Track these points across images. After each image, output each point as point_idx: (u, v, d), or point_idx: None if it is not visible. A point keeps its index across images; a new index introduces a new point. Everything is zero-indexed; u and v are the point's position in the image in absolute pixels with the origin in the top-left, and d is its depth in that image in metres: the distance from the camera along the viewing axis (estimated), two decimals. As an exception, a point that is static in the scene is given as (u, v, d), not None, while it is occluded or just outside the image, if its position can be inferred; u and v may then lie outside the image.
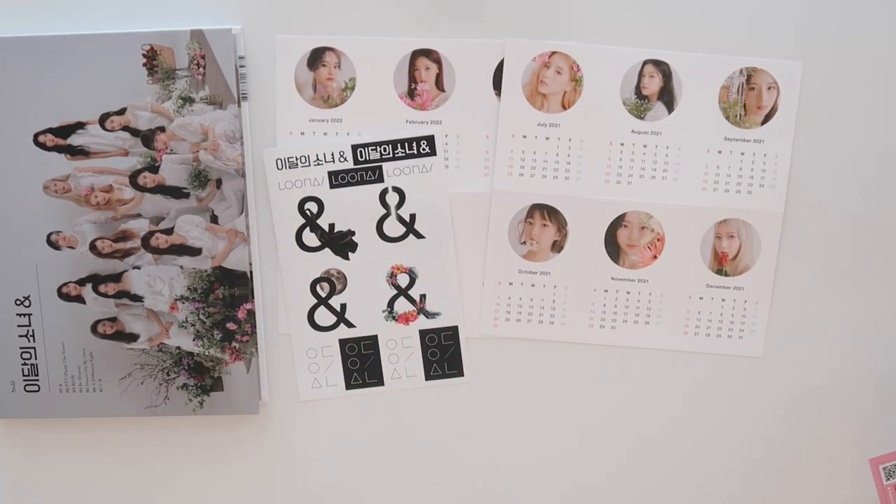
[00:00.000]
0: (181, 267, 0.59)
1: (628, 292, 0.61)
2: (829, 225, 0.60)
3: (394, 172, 0.60)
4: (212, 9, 0.58)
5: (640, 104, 0.59)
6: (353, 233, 0.60)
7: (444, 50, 0.59)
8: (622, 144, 0.60)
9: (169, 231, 0.59)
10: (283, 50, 0.59)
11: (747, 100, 0.59)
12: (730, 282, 0.61)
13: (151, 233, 0.59)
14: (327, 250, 0.60)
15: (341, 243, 0.61)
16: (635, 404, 0.62)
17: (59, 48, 0.57)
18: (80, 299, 0.60)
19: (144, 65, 0.57)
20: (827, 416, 0.62)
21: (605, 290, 0.61)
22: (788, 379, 0.62)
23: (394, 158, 0.60)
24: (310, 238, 0.60)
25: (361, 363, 0.62)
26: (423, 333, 0.61)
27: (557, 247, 0.61)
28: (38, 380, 0.60)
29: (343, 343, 0.61)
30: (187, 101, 0.57)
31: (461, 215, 0.60)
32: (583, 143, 0.59)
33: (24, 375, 0.60)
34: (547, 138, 0.59)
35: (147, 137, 0.58)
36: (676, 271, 0.61)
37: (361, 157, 0.59)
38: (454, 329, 0.61)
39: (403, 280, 0.61)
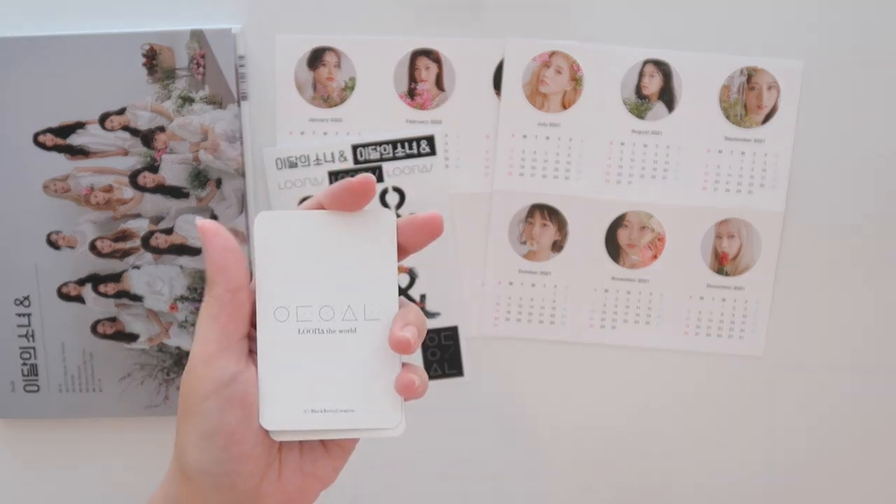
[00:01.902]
0: (181, 267, 0.59)
1: (628, 292, 0.61)
2: (829, 225, 0.60)
3: (394, 172, 0.60)
4: (212, 9, 0.58)
5: (640, 104, 0.59)
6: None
7: (444, 50, 0.59)
8: (622, 144, 0.60)
9: (169, 231, 0.59)
10: (283, 50, 0.59)
11: (748, 99, 0.59)
12: (730, 282, 0.61)
13: (151, 233, 0.59)
14: (327, 250, 0.60)
15: (341, 243, 0.60)
16: (635, 404, 0.62)
17: (59, 48, 0.57)
18: (79, 299, 0.60)
19: (144, 65, 0.57)
20: (827, 417, 0.62)
21: (605, 290, 0.61)
22: (788, 379, 0.62)
23: (394, 158, 0.60)
24: (310, 238, 0.60)
25: (361, 363, 0.62)
26: (423, 333, 0.61)
27: (557, 247, 0.61)
28: (37, 380, 0.60)
29: (343, 343, 0.61)
30: (187, 100, 0.57)
31: (461, 215, 0.60)
32: (583, 143, 0.59)
33: (23, 375, 0.60)
34: (547, 138, 0.59)
35: (147, 137, 0.58)
36: (676, 271, 0.61)
37: (361, 156, 0.59)
38: (454, 329, 0.61)
39: (403, 280, 0.61)
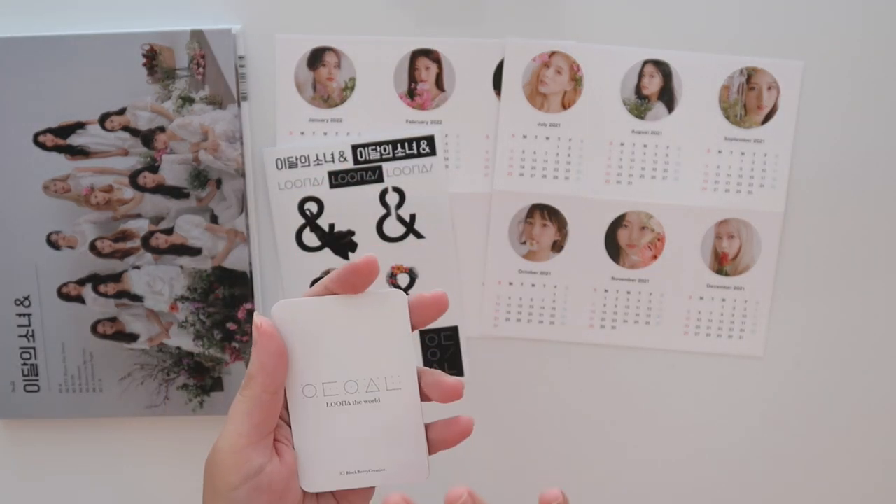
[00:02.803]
0: (181, 267, 0.59)
1: (628, 292, 0.61)
2: (829, 225, 0.60)
3: (394, 172, 0.60)
4: (212, 9, 0.58)
5: (640, 104, 0.59)
6: (352, 233, 0.60)
7: (444, 50, 0.59)
8: (622, 144, 0.60)
9: (169, 231, 0.59)
10: (283, 50, 0.59)
11: (747, 100, 0.59)
12: (730, 282, 0.61)
13: (151, 233, 0.59)
14: (327, 250, 0.60)
15: (341, 243, 0.61)
16: (635, 404, 0.62)
17: (59, 48, 0.57)
18: (80, 299, 0.60)
19: (144, 65, 0.57)
20: (827, 416, 0.62)
21: (605, 290, 0.61)
22: (788, 379, 0.62)
23: (394, 158, 0.60)
24: (310, 238, 0.60)
25: (361, 363, 0.62)
26: (424, 333, 0.61)
27: (557, 247, 0.61)
28: (38, 380, 0.60)
29: (343, 343, 0.61)
30: (187, 100, 0.57)
31: (461, 215, 0.60)
32: (583, 143, 0.59)
33: (24, 375, 0.60)
34: (547, 138, 0.59)
35: (147, 137, 0.58)
36: (676, 271, 0.61)
37: (361, 157, 0.59)
38: (454, 329, 0.61)
39: (403, 280, 0.61)
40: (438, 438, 0.41)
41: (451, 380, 0.40)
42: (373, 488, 0.42)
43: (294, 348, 0.39)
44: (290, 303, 0.39)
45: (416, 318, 0.40)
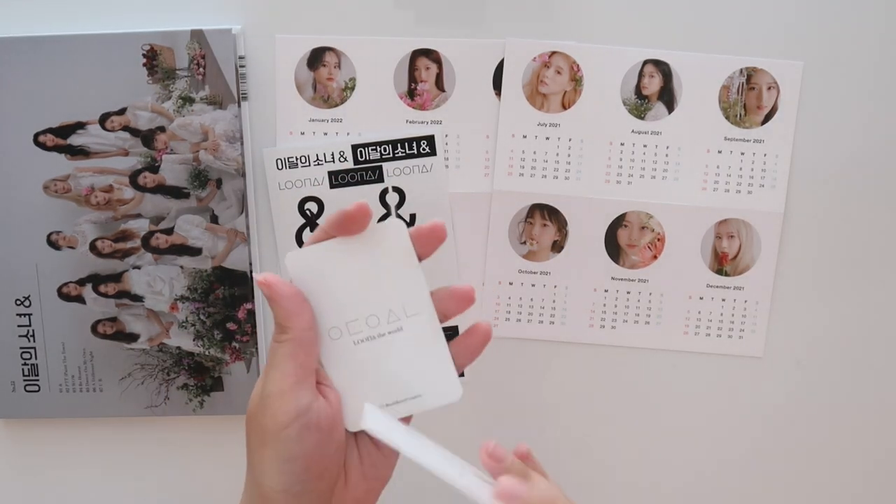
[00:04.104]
0: (181, 267, 0.59)
1: (628, 292, 0.61)
2: (829, 225, 0.60)
3: (394, 172, 0.60)
4: (212, 9, 0.58)
5: (640, 104, 0.59)
6: (353, 233, 0.60)
7: (444, 50, 0.59)
8: (622, 144, 0.60)
9: (169, 231, 0.59)
10: (283, 50, 0.59)
11: (747, 100, 0.59)
12: (730, 282, 0.61)
13: (151, 233, 0.59)
14: (327, 250, 0.60)
15: (341, 243, 0.61)
16: (635, 404, 0.62)
17: (59, 48, 0.57)
18: (80, 299, 0.60)
19: (144, 65, 0.57)
20: (827, 416, 0.62)
21: (605, 290, 0.61)
22: (788, 379, 0.62)
23: (394, 158, 0.60)
24: (310, 238, 0.60)
25: (361, 363, 0.62)
26: (423, 333, 0.61)
27: (557, 247, 0.61)
28: (38, 380, 0.60)
29: (343, 343, 0.61)
30: (187, 101, 0.57)
31: (461, 215, 0.60)
32: (583, 143, 0.59)
33: (24, 375, 0.60)
34: (547, 138, 0.60)
35: (147, 137, 0.58)
36: (676, 271, 0.61)
37: (361, 157, 0.59)
38: (454, 329, 0.61)
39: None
40: (464, 351, 0.42)
41: (461, 285, 0.42)
42: (410, 417, 0.43)
43: (313, 295, 0.40)
44: (299, 253, 0.40)
45: (418, 249, 0.41)
